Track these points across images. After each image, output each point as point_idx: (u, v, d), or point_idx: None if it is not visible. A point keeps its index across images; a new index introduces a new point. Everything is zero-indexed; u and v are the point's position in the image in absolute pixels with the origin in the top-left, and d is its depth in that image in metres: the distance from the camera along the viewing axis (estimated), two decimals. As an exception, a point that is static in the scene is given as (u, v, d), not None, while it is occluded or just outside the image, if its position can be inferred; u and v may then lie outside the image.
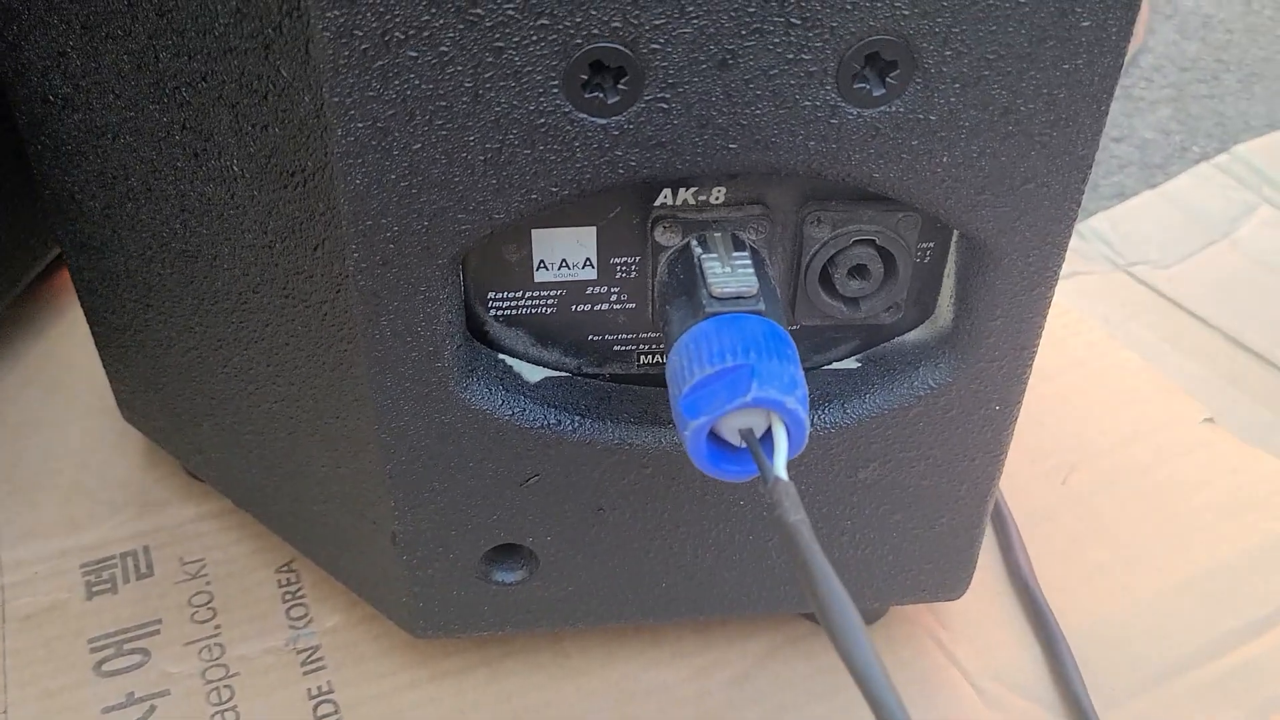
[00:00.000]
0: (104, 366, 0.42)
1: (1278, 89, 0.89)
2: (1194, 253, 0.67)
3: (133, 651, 0.39)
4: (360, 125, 0.25)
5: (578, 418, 0.32)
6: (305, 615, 0.40)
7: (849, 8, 0.25)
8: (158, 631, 0.39)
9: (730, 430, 0.27)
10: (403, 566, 0.34)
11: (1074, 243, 0.69)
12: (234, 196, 0.30)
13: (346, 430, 0.32)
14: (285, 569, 0.42)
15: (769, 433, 0.27)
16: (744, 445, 0.27)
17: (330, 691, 0.38)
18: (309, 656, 0.39)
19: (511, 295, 0.31)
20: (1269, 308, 0.62)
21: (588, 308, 0.32)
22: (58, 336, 0.52)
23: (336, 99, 0.25)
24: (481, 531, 0.34)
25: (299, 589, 0.41)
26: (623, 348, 0.33)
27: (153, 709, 0.37)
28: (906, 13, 0.25)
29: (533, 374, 0.33)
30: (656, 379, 0.33)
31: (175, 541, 0.43)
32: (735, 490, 0.34)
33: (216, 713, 0.37)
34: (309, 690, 0.38)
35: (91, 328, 0.41)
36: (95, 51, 0.30)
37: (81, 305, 0.40)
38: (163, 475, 0.45)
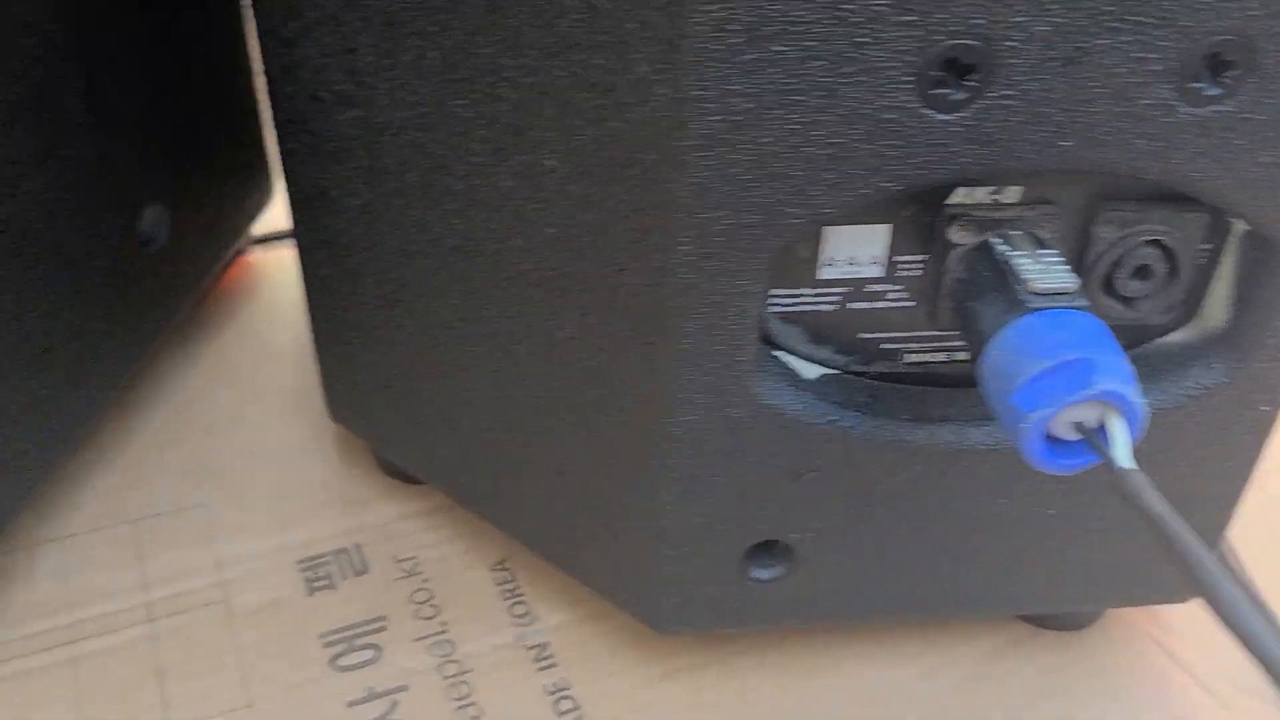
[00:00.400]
0: (320, 365, 0.42)
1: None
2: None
3: (364, 647, 0.39)
4: (715, 119, 0.26)
5: (855, 414, 0.32)
6: (527, 613, 0.40)
7: (1204, 8, 0.25)
8: (385, 628, 0.40)
9: (1059, 424, 0.27)
10: (662, 562, 0.35)
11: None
12: (539, 190, 0.30)
13: (625, 424, 0.33)
14: (500, 567, 0.42)
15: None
16: (1069, 438, 0.27)
17: (567, 688, 0.38)
18: (540, 653, 0.39)
19: (794, 292, 0.32)
20: None
21: (866, 305, 0.32)
22: (229, 340, 0.53)
23: (698, 92, 0.25)
24: (748, 527, 0.34)
25: (516, 587, 0.41)
26: (890, 346, 0.33)
27: (395, 704, 0.37)
28: (1257, 13, 0.25)
29: (809, 370, 0.33)
30: (920, 378, 0.34)
31: (385, 540, 0.43)
32: (998, 491, 0.34)
33: (458, 708, 0.37)
34: (545, 686, 0.38)
35: (317, 326, 0.41)
36: (394, 48, 0.31)
37: (310, 303, 0.40)
38: (360, 474, 0.46)
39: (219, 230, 0.51)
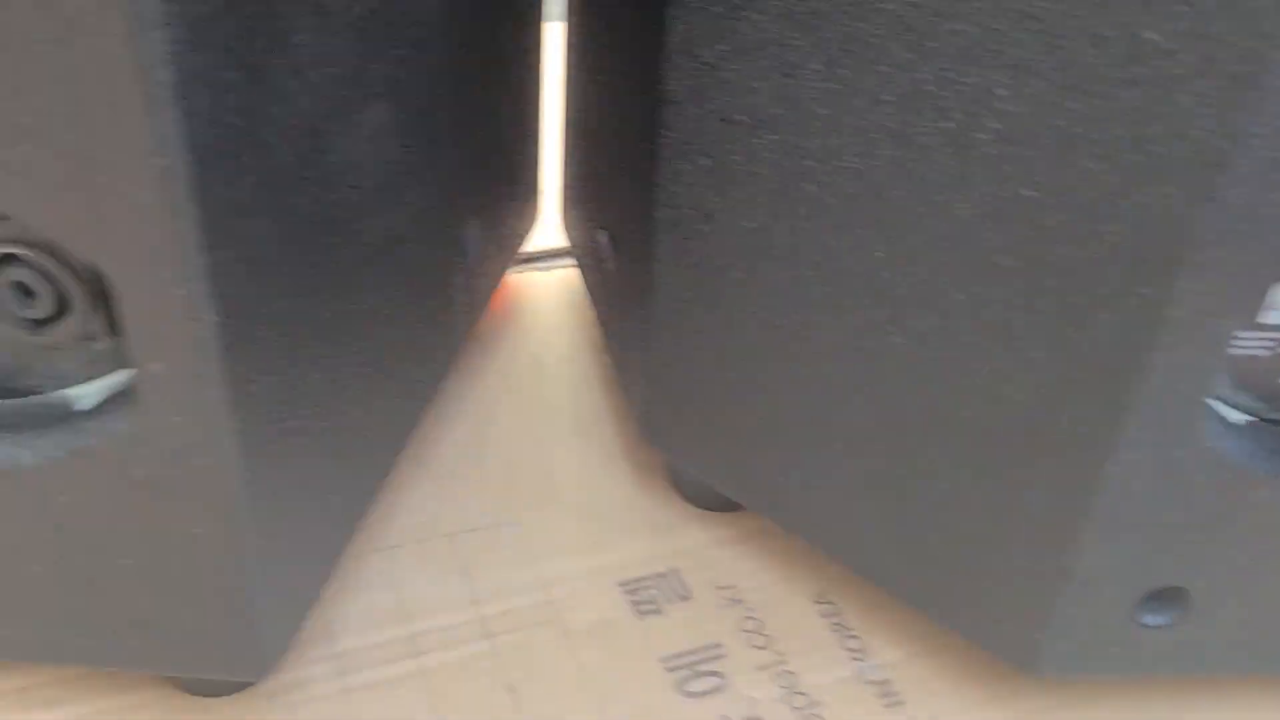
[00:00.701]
0: (647, 388, 0.42)
1: None
2: None
3: (708, 674, 0.39)
4: (1267, 154, 0.25)
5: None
6: (861, 647, 0.40)
7: None
8: (723, 655, 0.39)
9: None
10: (1057, 604, 0.34)
11: None
12: (1004, 221, 0.30)
13: (1049, 461, 0.32)
14: (822, 600, 0.42)
15: None
16: None
17: (921, 726, 0.37)
18: (883, 689, 0.38)
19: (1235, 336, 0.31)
20: None
21: (1299, 352, 0.32)
22: (504, 358, 0.53)
23: (1257, 129, 0.25)
24: (1153, 571, 0.34)
25: (844, 620, 0.41)
26: (1309, 395, 0.33)
27: (750, 739, 0.37)
28: None
29: (1235, 415, 0.32)
30: (1331, 428, 0.33)
31: (702, 566, 0.43)
32: None
33: (816, 741, 0.37)
34: (898, 724, 0.37)
35: (654, 348, 0.41)
36: (853, 75, 0.31)
37: (656, 324, 0.40)
38: (659, 498, 0.46)
39: (505, 248, 0.51)
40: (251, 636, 0.33)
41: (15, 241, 0.27)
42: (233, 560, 0.31)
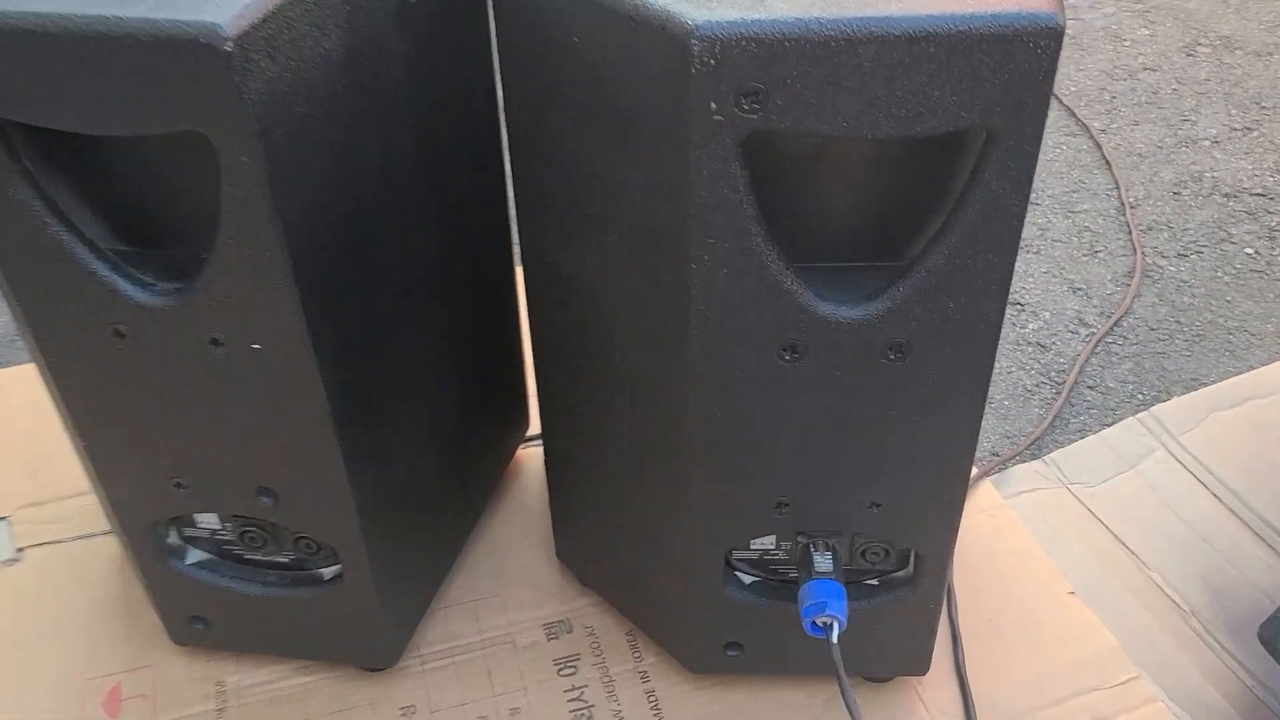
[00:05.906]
0: (554, 526, 0.94)
1: (1212, 348, 1.31)
2: (1110, 478, 1.15)
3: (571, 672, 0.91)
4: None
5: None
6: (640, 653, 0.92)
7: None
8: (579, 658, 0.92)
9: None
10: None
11: (1039, 467, 1.18)
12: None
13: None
14: (630, 633, 0.94)
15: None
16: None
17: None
18: (644, 676, 0.91)
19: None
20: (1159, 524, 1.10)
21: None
22: (507, 503, 1.05)
23: None
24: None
25: (636, 640, 0.93)
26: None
27: (587, 700, 0.89)
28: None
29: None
30: None
31: (579, 617, 0.95)
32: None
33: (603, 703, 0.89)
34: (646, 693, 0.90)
35: (554, 501, 0.92)
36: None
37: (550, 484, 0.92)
38: (564, 583, 0.98)
39: (511, 436, 1.03)
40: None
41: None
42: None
